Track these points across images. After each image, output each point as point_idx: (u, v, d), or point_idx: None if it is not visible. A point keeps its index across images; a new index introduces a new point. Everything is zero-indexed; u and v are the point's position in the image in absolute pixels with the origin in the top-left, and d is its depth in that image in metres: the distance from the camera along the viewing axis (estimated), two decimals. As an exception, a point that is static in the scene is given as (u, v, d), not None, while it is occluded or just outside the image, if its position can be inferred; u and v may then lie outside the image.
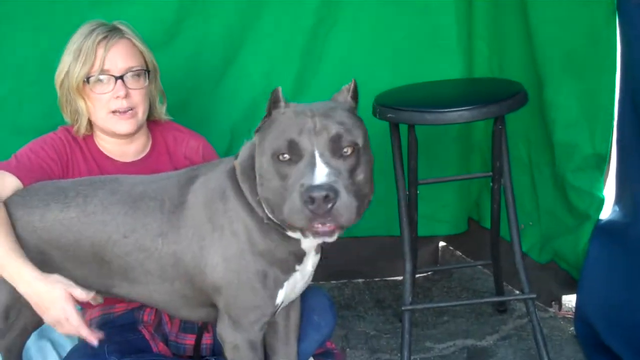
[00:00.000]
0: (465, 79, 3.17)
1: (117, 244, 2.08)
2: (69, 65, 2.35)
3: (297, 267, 2.04)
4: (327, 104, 1.92)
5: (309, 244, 2.01)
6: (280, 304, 2.07)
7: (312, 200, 1.68)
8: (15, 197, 2.20)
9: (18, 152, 2.36)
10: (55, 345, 2.87)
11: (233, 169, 2.02)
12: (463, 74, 3.23)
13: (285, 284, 2.03)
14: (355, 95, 1.96)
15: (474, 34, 3.22)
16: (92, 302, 2.30)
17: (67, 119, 2.46)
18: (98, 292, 2.22)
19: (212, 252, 2.01)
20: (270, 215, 1.92)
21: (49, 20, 2.88)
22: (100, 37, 2.34)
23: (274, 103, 1.87)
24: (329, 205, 1.69)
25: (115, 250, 2.09)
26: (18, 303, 2.19)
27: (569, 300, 3.08)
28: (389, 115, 2.50)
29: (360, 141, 1.83)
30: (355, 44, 3.20)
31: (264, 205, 1.92)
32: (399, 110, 2.47)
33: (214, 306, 2.11)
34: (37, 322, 2.49)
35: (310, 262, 2.09)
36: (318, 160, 1.75)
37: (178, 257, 2.05)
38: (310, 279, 2.18)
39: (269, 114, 1.88)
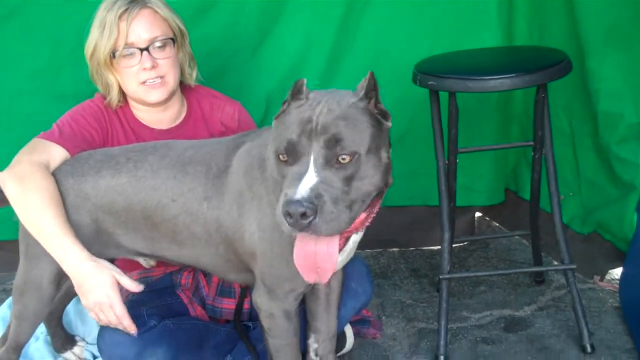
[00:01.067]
0: (507, 47, 3.13)
1: (166, 208, 2.12)
2: (96, 40, 2.36)
3: None
4: (343, 97, 1.82)
5: None
6: None
7: (290, 214, 1.66)
8: (64, 167, 2.23)
9: (59, 121, 2.38)
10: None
11: None
12: (503, 45, 3.19)
13: None
14: (370, 90, 1.83)
15: (514, 5, 3.18)
16: (145, 265, 2.34)
17: (101, 90, 2.48)
18: (147, 256, 2.27)
19: (250, 219, 2.03)
20: None
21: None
22: (121, 10, 2.33)
23: (294, 94, 1.83)
24: (306, 221, 1.66)
25: (164, 214, 2.12)
26: None
27: (613, 272, 3.05)
28: (430, 83, 2.48)
29: (362, 149, 1.75)
30: (394, 14, 3.16)
31: None
32: (441, 77, 2.45)
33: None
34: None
35: (352, 239, 2.04)
36: (310, 167, 1.71)
37: (220, 222, 2.07)
38: (352, 254, 2.16)
39: (288, 103, 1.85)
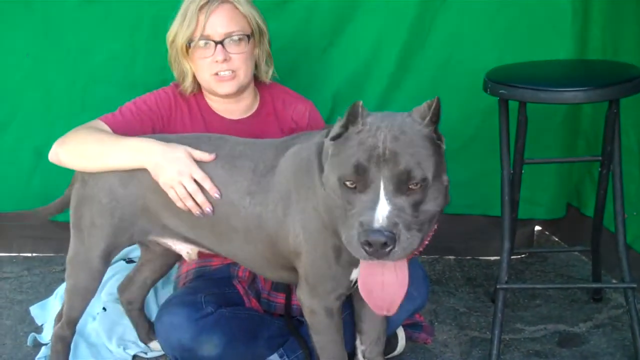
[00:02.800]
0: (579, 60, 3.09)
1: (209, 196, 2.14)
2: (177, 28, 2.43)
3: None
4: (405, 122, 1.81)
5: None
6: (356, 280, 2.07)
7: (369, 244, 1.68)
8: None
9: (124, 106, 2.47)
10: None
11: (321, 145, 2.03)
12: (575, 58, 3.15)
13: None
14: (436, 116, 1.82)
15: (590, 17, 3.14)
16: (186, 258, 2.38)
17: (176, 76, 2.54)
18: (191, 242, 2.30)
19: (296, 220, 2.05)
20: None
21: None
22: (203, 2, 2.39)
23: (351, 117, 1.80)
24: (387, 250, 1.69)
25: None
26: (119, 245, 2.30)
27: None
28: (500, 92, 2.46)
29: (430, 174, 1.77)
30: (465, 20, 3.15)
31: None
32: (512, 86, 2.43)
33: (294, 270, 2.15)
34: (156, 277, 2.62)
35: None
36: (382, 194, 1.72)
37: (262, 219, 2.10)
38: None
39: (346, 128, 1.82)
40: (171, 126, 2.50)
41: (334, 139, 1.84)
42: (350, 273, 2.07)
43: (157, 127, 2.46)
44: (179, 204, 2.15)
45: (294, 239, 2.06)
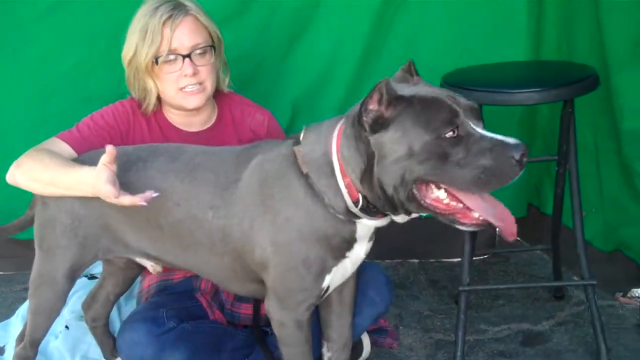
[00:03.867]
0: (534, 61, 3.13)
1: (170, 211, 2.11)
2: (136, 45, 2.38)
3: (347, 254, 2.05)
4: (411, 84, 1.94)
5: (365, 231, 2.02)
6: (327, 288, 2.08)
7: (523, 155, 1.74)
8: (80, 160, 2.25)
9: (81, 122, 2.43)
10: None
11: (292, 155, 2.01)
12: (531, 58, 3.19)
13: (334, 269, 2.04)
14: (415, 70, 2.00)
15: (544, 18, 3.18)
16: (151, 271, 2.35)
17: (135, 95, 2.49)
18: (154, 258, 2.27)
19: (263, 234, 2.02)
20: (353, 207, 1.92)
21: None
22: (165, 16, 2.35)
23: (391, 94, 1.81)
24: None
25: (168, 217, 2.12)
26: (84, 264, 2.26)
27: (635, 289, 3.03)
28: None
29: None
30: (423, 25, 3.17)
31: (349, 197, 1.92)
32: (467, 90, 2.44)
33: (262, 282, 2.13)
34: (119, 292, 2.59)
35: (364, 249, 2.08)
36: (478, 129, 1.79)
37: (227, 232, 2.07)
38: (357, 264, 2.17)
39: (388, 106, 1.81)
40: (130, 140, 2.46)
41: (378, 126, 1.83)
42: (322, 281, 2.04)
43: (116, 141, 2.42)
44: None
45: (260, 252, 2.04)
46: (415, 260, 3.55)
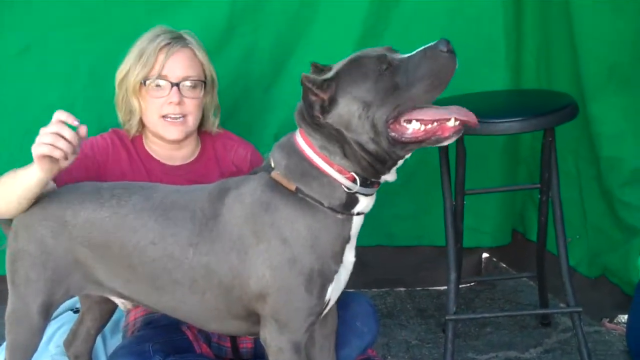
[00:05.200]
0: (514, 90, 3.17)
1: (145, 250, 2.10)
2: (130, 66, 2.43)
3: (343, 259, 2.05)
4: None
5: (357, 226, 2.05)
6: (328, 301, 2.07)
7: (448, 42, 1.89)
8: (54, 194, 2.24)
9: None
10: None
11: (271, 182, 2.02)
12: (511, 87, 3.22)
13: (335, 277, 2.04)
14: None
15: (523, 47, 3.22)
16: (122, 308, 2.34)
17: (121, 117, 2.52)
18: (126, 298, 2.25)
19: (258, 263, 2.01)
20: (355, 186, 1.97)
21: (101, 28, 2.93)
22: (163, 43, 2.41)
23: (318, 81, 1.96)
24: None
25: (142, 256, 2.10)
26: (55, 300, 2.23)
27: (621, 315, 3.05)
28: (437, 125, 2.50)
29: None
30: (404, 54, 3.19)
31: (346, 180, 1.97)
32: (448, 120, 2.47)
33: (245, 319, 2.12)
34: (99, 326, 2.57)
35: (352, 253, 2.08)
36: (404, 55, 1.94)
37: (211, 268, 2.05)
38: (347, 278, 2.17)
39: (328, 86, 1.95)
40: (108, 172, 2.47)
41: (325, 110, 1.96)
42: (325, 293, 2.03)
43: (92, 172, 2.42)
44: (56, 153, 2.07)
45: (257, 282, 2.02)
46: (402, 289, 3.56)
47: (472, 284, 3.52)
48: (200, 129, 2.60)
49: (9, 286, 2.25)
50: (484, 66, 3.21)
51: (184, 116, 2.44)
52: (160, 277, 2.10)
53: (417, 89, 1.90)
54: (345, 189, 1.97)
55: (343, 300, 2.27)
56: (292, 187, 1.99)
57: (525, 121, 2.41)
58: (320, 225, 1.99)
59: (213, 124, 2.60)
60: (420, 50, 1.92)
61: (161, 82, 2.42)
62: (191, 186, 2.25)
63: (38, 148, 2.07)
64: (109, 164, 2.48)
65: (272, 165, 2.04)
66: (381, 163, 1.96)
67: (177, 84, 2.42)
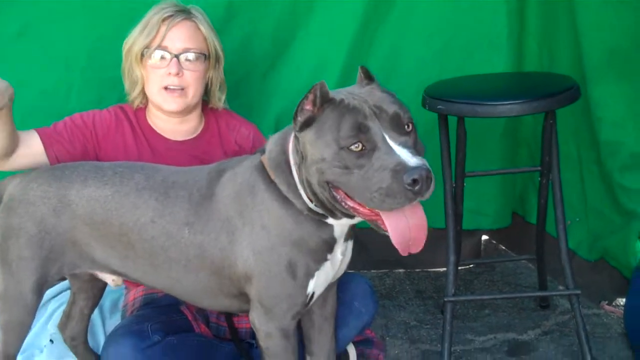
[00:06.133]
0: (516, 73, 3.15)
1: (144, 228, 2.12)
2: (136, 35, 2.46)
3: (328, 256, 2.06)
4: (361, 87, 1.94)
5: (340, 231, 2.03)
6: (312, 294, 2.08)
7: (416, 181, 1.70)
8: (51, 171, 2.26)
9: (62, 120, 2.50)
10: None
11: (261, 164, 2.05)
12: (512, 70, 3.20)
13: (316, 273, 2.05)
14: (370, 75, 1.98)
15: (525, 30, 3.19)
16: (111, 285, 2.35)
17: (126, 87, 2.55)
18: (121, 274, 2.27)
19: (243, 245, 2.04)
20: (311, 205, 1.95)
21: (101, 10, 2.91)
22: (166, 14, 2.44)
23: (324, 96, 1.86)
24: (430, 183, 1.73)
25: (142, 234, 2.13)
26: (49, 278, 2.24)
27: (620, 298, 3.05)
28: (438, 107, 2.50)
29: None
30: (405, 37, 3.17)
31: (305, 195, 1.94)
32: (450, 102, 2.47)
33: (239, 297, 2.14)
34: (91, 305, 2.58)
35: (340, 250, 2.09)
36: (392, 143, 1.76)
37: (204, 248, 2.08)
38: (344, 268, 2.20)
39: (320, 107, 1.86)
40: (108, 145, 2.49)
41: (305, 126, 1.87)
42: (307, 286, 2.05)
43: (90, 144, 2.47)
44: None
45: (243, 264, 2.05)
46: (401, 270, 3.56)
47: (471, 266, 3.53)
48: (206, 105, 2.60)
49: (0, 265, 2.23)
50: (485, 48, 3.19)
51: (183, 88, 2.45)
52: (158, 255, 2.12)
53: (363, 189, 1.78)
54: (307, 202, 1.97)
55: (341, 281, 2.29)
56: (272, 176, 2.01)
57: (526, 103, 2.40)
58: (293, 219, 2.00)
59: (219, 100, 2.61)
60: (397, 158, 1.74)
61: (161, 53, 2.44)
62: (193, 167, 2.27)
63: None
64: (110, 136, 2.50)
65: (266, 148, 2.05)
66: (326, 208, 1.93)
67: (177, 56, 2.43)
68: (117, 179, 2.18)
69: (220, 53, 2.56)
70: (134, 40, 2.47)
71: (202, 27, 2.49)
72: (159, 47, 2.44)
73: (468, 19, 3.14)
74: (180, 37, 2.44)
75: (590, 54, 2.81)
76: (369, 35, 3.15)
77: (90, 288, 2.54)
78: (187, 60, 2.45)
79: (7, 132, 2.24)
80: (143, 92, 2.52)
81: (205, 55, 2.49)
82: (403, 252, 1.86)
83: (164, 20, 2.43)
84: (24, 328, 2.29)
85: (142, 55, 2.45)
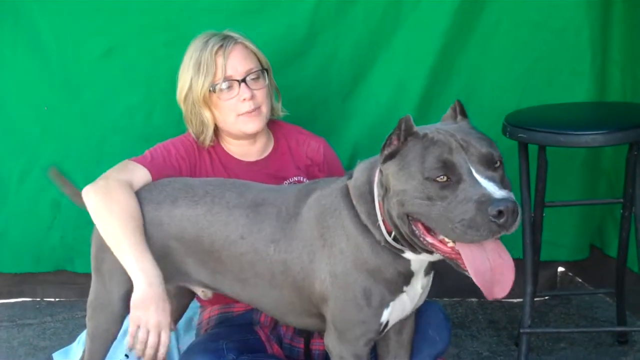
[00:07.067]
0: (598, 103, 3.10)
1: (234, 244, 2.16)
2: (191, 79, 2.47)
3: (405, 288, 2.05)
4: (448, 124, 1.92)
5: (419, 265, 2.02)
6: (386, 323, 2.07)
7: (501, 213, 1.66)
8: (142, 192, 2.31)
9: (152, 149, 2.50)
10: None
11: (346, 189, 2.05)
12: (594, 99, 3.16)
13: (391, 304, 2.04)
14: (464, 111, 1.96)
15: (608, 58, 3.15)
16: (202, 297, 2.39)
17: (193, 132, 2.55)
18: (211, 288, 2.31)
19: (322, 267, 2.05)
20: (389, 238, 1.94)
21: (182, 34, 2.98)
22: (216, 46, 2.45)
23: (409, 130, 1.84)
24: (517, 217, 1.69)
25: (232, 250, 2.16)
26: None
27: None
28: (519, 135, 2.48)
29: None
30: (485, 64, 3.17)
31: (384, 228, 1.94)
32: (531, 130, 2.45)
33: (320, 316, 2.14)
34: (173, 322, 2.60)
35: (420, 284, 2.08)
36: (478, 176, 1.74)
37: (288, 265, 2.10)
38: (422, 300, 2.18)
39: (404, 141, 1.85)
40: (196, 171, 2.53)
41: (388, 158, 1.86)
42: (380, 315, 2.05)
43: (185, 171, 2.50)
44: (135, 343, 2.19)
45: (320, 285, 2.07)
46: (474, 299, 3.52)
47: (546, 298, 3.46)
48: (269, 122, 2.62)
49: (93, 274, 2.32)
50: (567, 77, 3.15)
51: (257, 108, 2.48)
52: (246, 270, 2.16)
53: (445, 220, 1.73)
54: (384, 234, 1.96)
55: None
56: (355, 202, 2.01)
57: (610, 134, 2.36)
58: (370, 249, 1.99)
59: (278, 108, 2.63)
60: (482, 190, 1.70)
61: (228, 84, 2.45)
62: (284, 185, 2.32)
63: (140, 328, 2.20)
64: (198, 165, 2.54)
65: (354, 173, 2.06)
66: (407, 242, 1.91)
67: (244, 80, 2.45)
68: (208, 198, 2.23)
69: (268, 63, 2.57)
70: (191, 83, 2.46)
71: (249, 46, 2.51)
72: (225, 79, 2.44)
73: (550, 45, 3.11)
74: (239, 62, 2.46)
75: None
76: (449, 60, 3.15)
77: (177, 304, 2.58)
78: (252, 80, 2.47)
79: None
80: (214, 131, 2.54)
81: (263, 70, 2.52)
82: (488, 296, 1.81)
83: (217, 52, 2.44)
84: (110, 336, 2.35)
85: (209, 93, 2.46)
